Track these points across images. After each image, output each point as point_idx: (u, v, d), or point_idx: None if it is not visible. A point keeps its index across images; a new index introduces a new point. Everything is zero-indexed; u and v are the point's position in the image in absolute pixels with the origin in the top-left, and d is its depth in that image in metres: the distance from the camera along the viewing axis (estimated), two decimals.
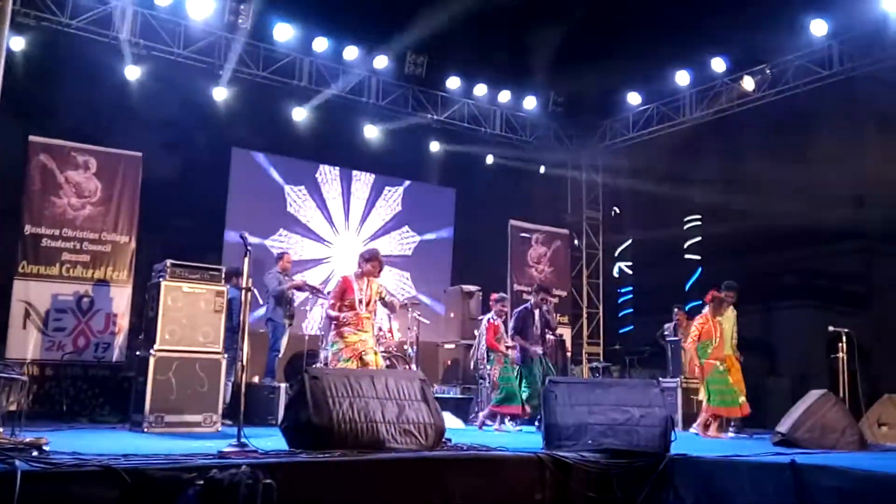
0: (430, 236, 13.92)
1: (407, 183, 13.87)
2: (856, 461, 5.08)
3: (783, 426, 6.87)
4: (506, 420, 8.92)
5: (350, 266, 8.97)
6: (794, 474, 4.66)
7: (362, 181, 13.50)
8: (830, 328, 8.77)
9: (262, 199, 12.44)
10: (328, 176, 13.20)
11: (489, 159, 13.99)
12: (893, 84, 10.98)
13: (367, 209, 13.51)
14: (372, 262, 7.08)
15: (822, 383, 9.04)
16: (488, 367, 8.95)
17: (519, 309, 9.47)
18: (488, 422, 8.87)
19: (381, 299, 7.22)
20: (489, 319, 9.02)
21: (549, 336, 9.09)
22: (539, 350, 8.97)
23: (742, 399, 8.47)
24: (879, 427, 7.96)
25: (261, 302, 9.62)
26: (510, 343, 8.95)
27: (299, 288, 9.72)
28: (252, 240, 11.57)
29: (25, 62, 9.90)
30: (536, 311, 9.13)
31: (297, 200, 12.85)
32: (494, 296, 9.31)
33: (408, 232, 13.75)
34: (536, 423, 8.51)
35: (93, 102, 10.26)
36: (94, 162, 9.46)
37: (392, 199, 13.76)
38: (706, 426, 8.50)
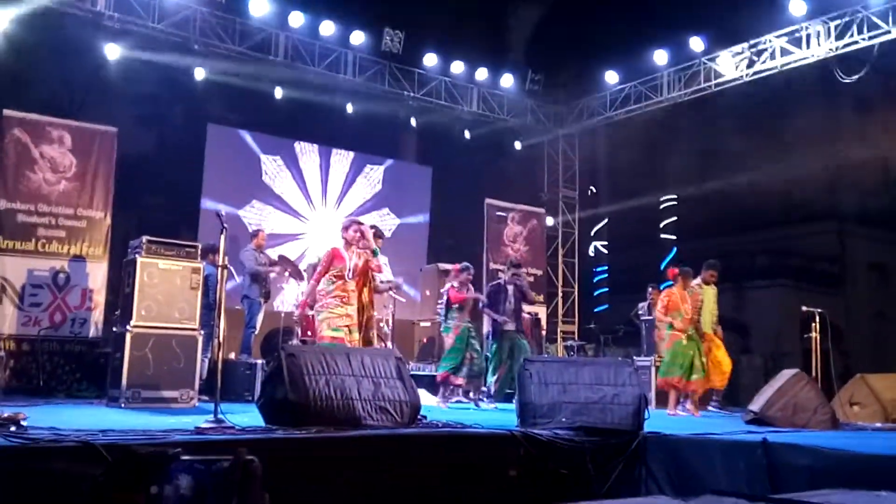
0: (409, 219, 13.92)
1: (389, 162, 13.85)
2: (827, 440, 5.19)
3: (755, 404, 6.99)
4: (470, 394, 9.02)
5: (327, 243, 8.94)
6: (766, 452, 4.74)
7: (341, 157, 13.45)
8: (804, 308, 8.89)
9: (237, 169, 12.38)
10: (306, 149, 13.15)
11: (466, 137, 13.96)
12: (871, 66, 11.06)
13: (347, 186, 13.47)
14: (351, 228, 7.08)
15: (795, 362, 9.22)
16: (443, 333, 8.94)
17: (491, 283, 9.48)
18: (449, 397, 8.86)
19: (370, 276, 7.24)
20: (456, 286, 8.98)
21: (525, 315, 9.06)
22: (511, 326, 8.97)
23: (696, 375, 8.45)
24: (851, 406, 8.10)
25: (237, 279, 9.60)
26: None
27: (275, 265, 9.71)
28: (225, 209, 11.65)
29: (0, 36, 9.72)
30: (510, 287, 9.09)
31: (273, 171, 12.79)
32: (457, 266, 9.11)
33: (388, 214, 13.73)
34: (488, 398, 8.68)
35: (67, 77, 10.14)
36: (68, 137, 9.35)
37: (373, 178, 13.73)
38: (675, 403, 8.59)
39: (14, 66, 9.76)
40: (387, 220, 13.68)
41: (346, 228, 7.13)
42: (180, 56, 11.11)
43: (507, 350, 8.84)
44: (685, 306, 8.61)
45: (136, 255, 7.35)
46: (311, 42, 11.94)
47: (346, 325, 6.87)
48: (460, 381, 8.73)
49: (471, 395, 9.12)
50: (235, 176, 12.37)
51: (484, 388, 9.25)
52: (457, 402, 8.97)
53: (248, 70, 11.67)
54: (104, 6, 10.27)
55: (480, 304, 9.12)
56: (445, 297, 8.93)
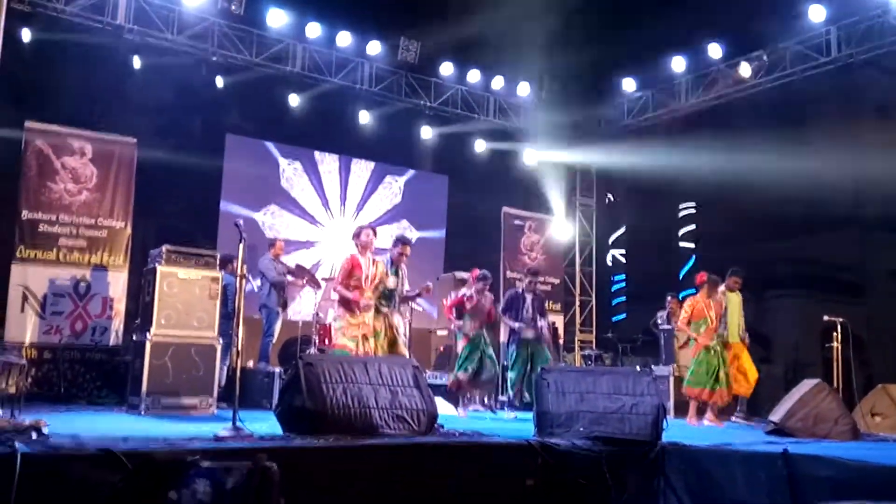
0: (427, 233, 13.93)
1: (411, 173, 13.89)
2: (848, 451, 5.13)
3: (776, 415, 6.93)
4: (485, 399, 9.00)
5: (343, 252, 8.97)
6: (787, 463, 4.69)
7: (361, 167, 13.50)
8: (825, 318, 8.79)
9: (255, 174, 12.46)
10: (326, 158, 13.22)
11: (482, 146, 13.97)
12: (891, 71, 10.97)
13: (366, 196, 13.51)
14: (363, 233, 7.13)
15: (816, 372, 9.10)
16: (456, 340, 8.89)
17: (509, 291, 9.45)
18: (468, 407, 8.79)
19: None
20: (462, 294, 8.92)
21: (541, 322, 9.00)
22: (530, 334, 8.88)
23: (720, 385, 8.35)
24: (873, 417, 8.00)
25: (255, 289, 9.64)
26: (458, 322, 8.84)
27: (292, 273, 9.76)
28: (243, 211, 11.78)
29: (22, 49, 9.87)
30: (528, 296, 9.05)
31: (291, 176, 12.85)
32: (476, 272, 9.03)
33: (408, 227, 13.74)
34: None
35: (88, 89, 10.24)
36: (89, 147, 9.48)
37: (393, 189, 13.77)
38: (698, 413, 8.51)
39: (36, 79, 9.90)
40: (406, 234, 13.70)
41: (357, 235, 7.20)
42: (199, 67, 11.24)
43: (526, 357, 8.77)
44: (710, 314, 8.53)
45: (156, 265, 7.43)
46: (327, 52, 12.03)
47: (362, 334, 6.89)
48: (468, 382, 8.64)
49: (486, 400, 9.08)
50: (254, 180, 12.46)
51: (503, 398, 9.21)
52: (474, 410, 8.93)
53: (266, 81, 11.76)
54: (124, 19, 10.42)
55: (498, 312, 9.06)
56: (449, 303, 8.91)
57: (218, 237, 11.27)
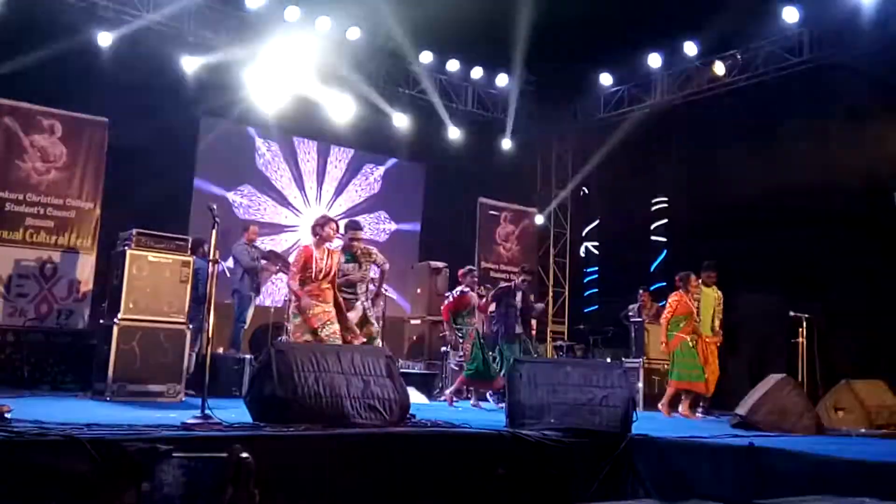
0: (404, 226, 13.92)
1: (390, 162, 13.86)
2: (812, 445, 5.22)
3: (742, 408, 7.03)
4: (488, 395, 9.03)
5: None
6: (752, 456, 4.77)
7: (339, 155, 13.43)
8: (791, 313, 8.92)
9: (230, 153, 12.38)
10: (304, 143, 13.14)
11: (459, 135, 13.94)
12: (862, 73, 11.10)
13: (343, 184, 13.45)
14: (326, 227, 6.84)
15: (781, 367, 9.22)
16: (461, 341, 8.91)
17: (501, 286, 9.51)
18: (456, 398, 8.85)
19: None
20: (458, 291, 9.00)
21: (539, 305, 9.18)
22: (520, 329, 8.89)
23: (699, 378, 8.54)
24: (836, 412, 8.15)
25: (228, 275, 9.54)
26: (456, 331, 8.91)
27: (267, 260, 9.68)
28: (216, 189, 11.67)
29: None
30: (518, 293, 9.08)
31: (270, 160, 12.78)
32: (462, 270, 9.24)
33: (384, 217, 13.71)
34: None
35: (60, 66, 10.02)
36: (59, 126, 9.31)
37: (370, 180, 13.71)
38: (671, 404, 8.59)
39: (5, 55, 9.66)
40: (382, 224, 13.67)
41: (320, 225, 6.86)
42: (174, 47, 11.06)
43: (519, 353, 8.80)
44: (693, 309, 8.64)
45: (126, 248, 7.32)
46: (306, 37, 11.88)
47: (324, 322, 6.72)
48: (478, 381, 8.62)
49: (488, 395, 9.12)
50: (229, 158, 12.35)
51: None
52: (472, 404, 8.89)
53: (243, 63, 11.61)
54: None
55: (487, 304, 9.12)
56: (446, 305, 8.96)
57: (190, 223, 11.16)
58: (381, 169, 13.86)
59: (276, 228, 12.62)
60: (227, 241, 9.59)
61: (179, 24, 10.92)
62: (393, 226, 13.79)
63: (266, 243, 11.21)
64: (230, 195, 12.22)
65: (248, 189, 12.48)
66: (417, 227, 13.97)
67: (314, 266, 6.74)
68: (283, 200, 12.85)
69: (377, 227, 13.63)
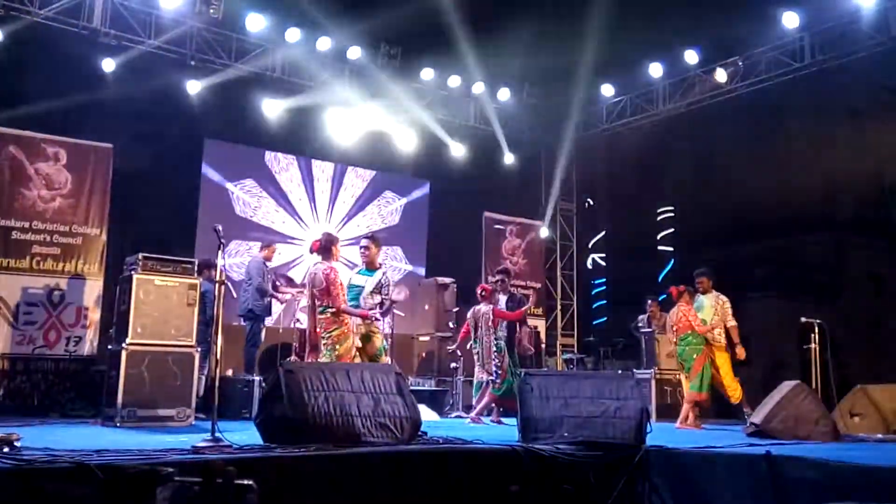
0: (415, 195, 13.90)
1: (417, 194, 13.93)
2: (830, 452, 5.15)
3: (757, 417, 6.94)
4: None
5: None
6: (770, 465, 4.70)
7: (356, 175, 13.48)
8: (803, 319, 8.83)
9: (239, 145, 12.50)
10: (320, 167, 13.20)
11: (463, 150, 13.95)
12: (863, 77, 11.10)
13: (360, 205, 13.49)
14: (337, 245, 6.91)
15: (794, 374, 9.13)
16: (499, 353, 8.55)
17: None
18: (484, 418, 8.59)
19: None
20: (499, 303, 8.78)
21: (526, 328, 8.98)
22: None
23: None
24: (852, 417, 8.04)
25: (234, 296, 9.48)
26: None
27: (279, 287, 9.63)
28: (215, 177, 11.74)
29: None
30: (503, 297, 8.88)
31: (279, 166, 12.82)
32: (497, 275, 9.03)
33: (390, 195, 13.67)
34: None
35: (63, 93, 10.08)
36: (64, 153, 9.34)
37: (391, 208, 13.78)
38: (687, 418, 8.47)
39: (9, 83, 9.73)
40: (390, 205, 13.72)
41: (334, 243, 6.90)
42: (176, 72, 11.12)
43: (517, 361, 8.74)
44: (697, 321, 8.55)
45: (132, 272, 7.30)
46: (307, 57, 11.96)
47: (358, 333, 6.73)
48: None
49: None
50: (236, 152, 12.46)
51: None
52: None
53: (246, 85, 11.67)
54: (100, 23, 10.30)
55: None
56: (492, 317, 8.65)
57: (196, 245, 11.14)
58: (402, 201, 13.83)
59: (281, 237, 12.45)
60: (228, 235, 9.40)
61: (181, 49, 10.97)
62: (403, 200, 13.76)
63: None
64: (230, 186, 12.17)
65: (251, 184, 12.45)
66: (423, 271, 13.88)
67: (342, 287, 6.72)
68: (289, 207, 12.83)
69: (382, 211, 13.65)
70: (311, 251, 7.04)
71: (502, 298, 8.91)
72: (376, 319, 6.86)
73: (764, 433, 6.66)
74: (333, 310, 6.62)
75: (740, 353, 8.67)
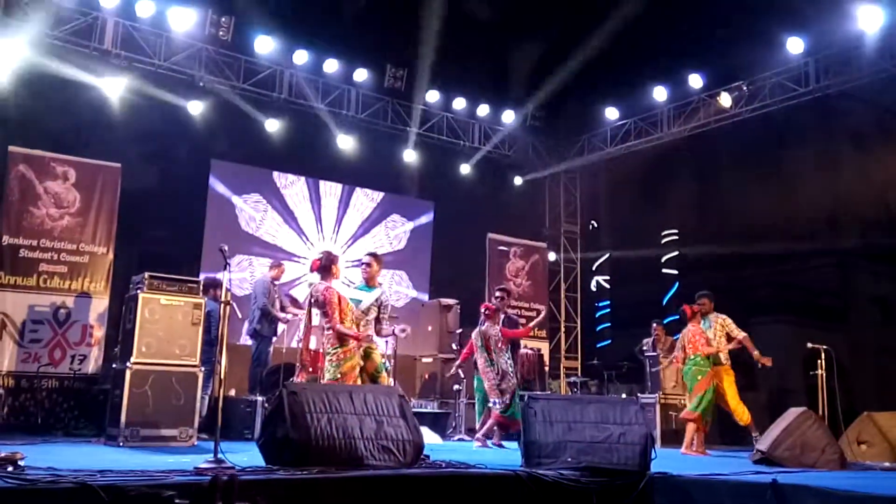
0: (422, 220, 13.96)
1: (423, 220, 14.00)
2: (836, 480, 5.10)
3: (763, 444, 6.90)
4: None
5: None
6: (776, 493, 4.66)
7: (363, 196, 13.57)
8: (809, 345, 8.79)
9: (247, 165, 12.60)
10: (327, 187, 13.27)
11: (467, 172, 14.01)
12: (867, 101, 11.13)
13: (367, 227, 13.57)
14: (338, 264, 6.77)
15: (800, 399, 9.07)
16: (511, 374, 8.45)
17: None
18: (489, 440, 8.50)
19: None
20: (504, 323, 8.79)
21: (528, 350, 8.98)
22: None
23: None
24: (859, 445, 8.00)
25: (239, 316, 9.47)
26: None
27: (294, 306, 9.64)
28: (221, 190, 11.79)
29: (7, 73, 9.80)
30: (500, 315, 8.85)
31: (286, 184, 12.91)
32: (498, 293, 8.99)
33: (397, 218, 13.73)
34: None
35: (73, 113, 10.18)
36: (73, 172, 9.40)
37: (398, 232, 13.86)
38: (692, 443, 8.40)
39: (20, 103, 9.82)
40: (397, 228, 13.77)
41: (334, 263, 6.74)
42: (185, 92, 11.22)
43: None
44: (703, 340, 8.50)
45: (138, 291, 7.33)
46: (314, 79, 12.07)
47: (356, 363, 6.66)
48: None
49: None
50: (245, 167, 12.58)
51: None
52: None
53: (253, 107, 11.77)
54: (111, 44, 10.41)
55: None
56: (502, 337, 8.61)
57: (201, 265, 11.19)
58: (409, 225, 13.89)
59: (285, 255, 12.47)
60: (232, 250, 9.42)
61: (190, 70, 11.07)
62: (410, 225, 13.79)
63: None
64: (236, 199, 12.24)
65: (258, 198, 12.53)
66: (426, 297, 13.88)
67: (343, 304, 6.59)
68: (295, 225, 12.88)
69: (389, 233, 13.68)
70: (312, 270, 6.99)
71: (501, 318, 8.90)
72: (370, 341, 6.79)
73: (770, 460, 6.62)
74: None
75: (766, 361, 8.52)
